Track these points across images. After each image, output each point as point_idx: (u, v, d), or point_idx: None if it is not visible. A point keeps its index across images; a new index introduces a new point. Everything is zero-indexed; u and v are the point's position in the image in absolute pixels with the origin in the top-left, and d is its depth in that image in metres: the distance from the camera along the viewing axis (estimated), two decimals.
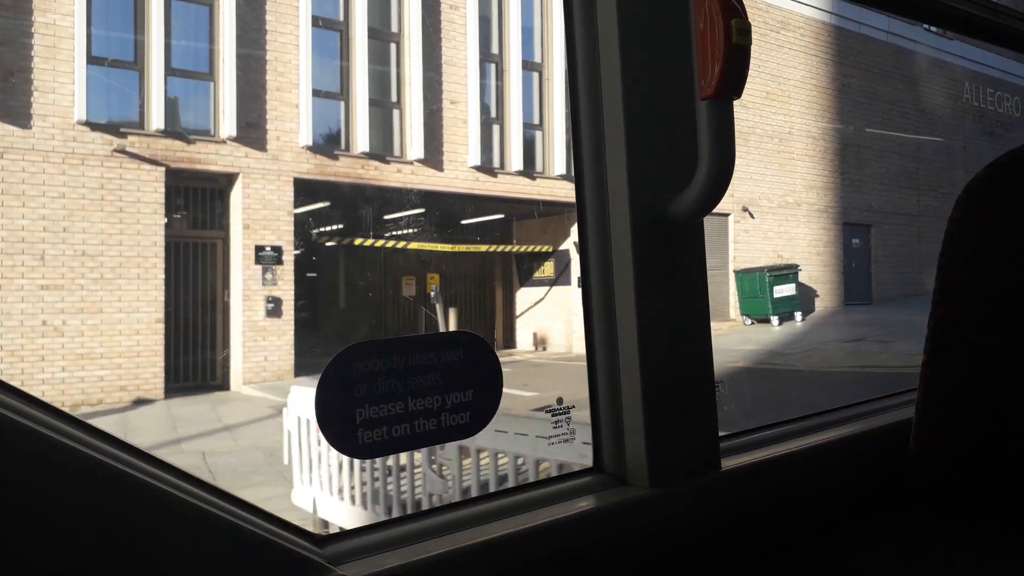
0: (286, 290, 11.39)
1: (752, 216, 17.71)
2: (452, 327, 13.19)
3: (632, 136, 1.02)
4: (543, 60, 14.43)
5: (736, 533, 1.10)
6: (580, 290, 1.14)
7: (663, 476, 1.03)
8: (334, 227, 13.22)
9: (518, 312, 16.96)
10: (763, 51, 17.69)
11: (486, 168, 13.49)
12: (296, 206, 11.82)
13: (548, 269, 16.46)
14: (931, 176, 21.89)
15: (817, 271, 18.73)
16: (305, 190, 11.97)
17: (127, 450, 0.68)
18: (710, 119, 0.92)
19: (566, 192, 14.74)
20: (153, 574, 0.66)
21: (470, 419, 0.91)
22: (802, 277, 18.05)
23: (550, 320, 16.28)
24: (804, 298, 17.86)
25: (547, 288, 16.46)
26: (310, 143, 11.62)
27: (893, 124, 20.85)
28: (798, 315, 16.84)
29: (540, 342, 16.51)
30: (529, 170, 14.06)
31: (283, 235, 11.41)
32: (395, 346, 0.86)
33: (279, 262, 11.32)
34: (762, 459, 1.15)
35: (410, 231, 14.78)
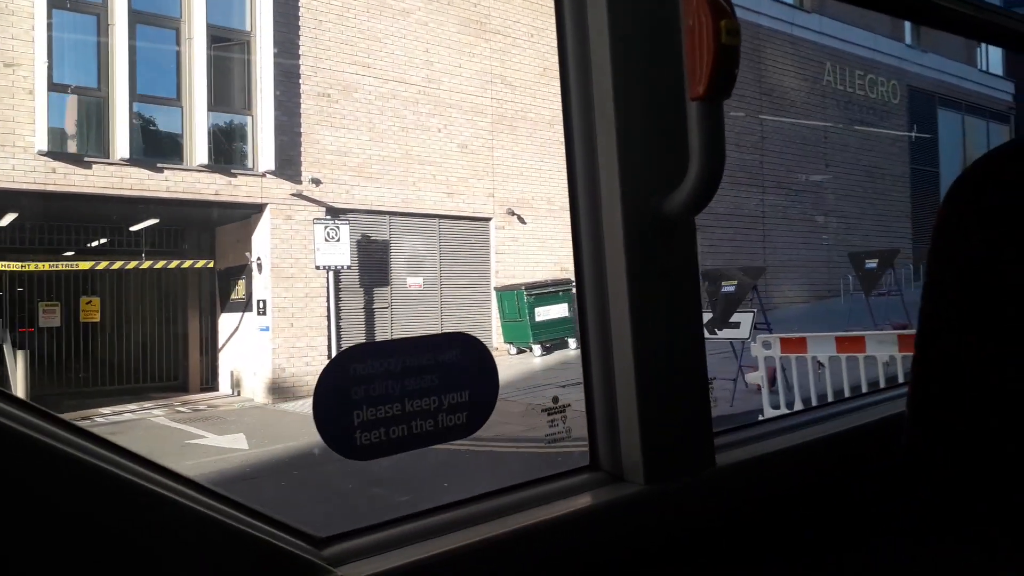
0: None
1: (523, 221, 14.21)
2: (20, 376, 9.51)
3: (623, 136, 1.07)
4: (182, 13, 10.86)
5: (732, 528, 1.14)
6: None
7: (659, 473, 1.07)
8: None
9: (221, 344, 13.36)
10: (538, 17, 14.28)
11: (67, 155, 9.85)
12: None
13: (242, 290, 12.87)
14: (780, 171, 18.61)
15: None
16: None
17: (128, 456, 0.69)
18: (700, 119, 0.97)
19: (216, 189, 11.14)
20: None
21: (467, 419, 0.95)
22: None
23: (248, 354, 12.69)
24: None
25: (241, 314, 12.87)
26: None
27: (727, 107, 17.51)
28: (572, 342, 13.35)
29: (236, 384, 12.91)
30: (151, 159, 10.45)
31: None
32: (392, 348, 0.89)
33: None
34: (757, 455, 1.20)
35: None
